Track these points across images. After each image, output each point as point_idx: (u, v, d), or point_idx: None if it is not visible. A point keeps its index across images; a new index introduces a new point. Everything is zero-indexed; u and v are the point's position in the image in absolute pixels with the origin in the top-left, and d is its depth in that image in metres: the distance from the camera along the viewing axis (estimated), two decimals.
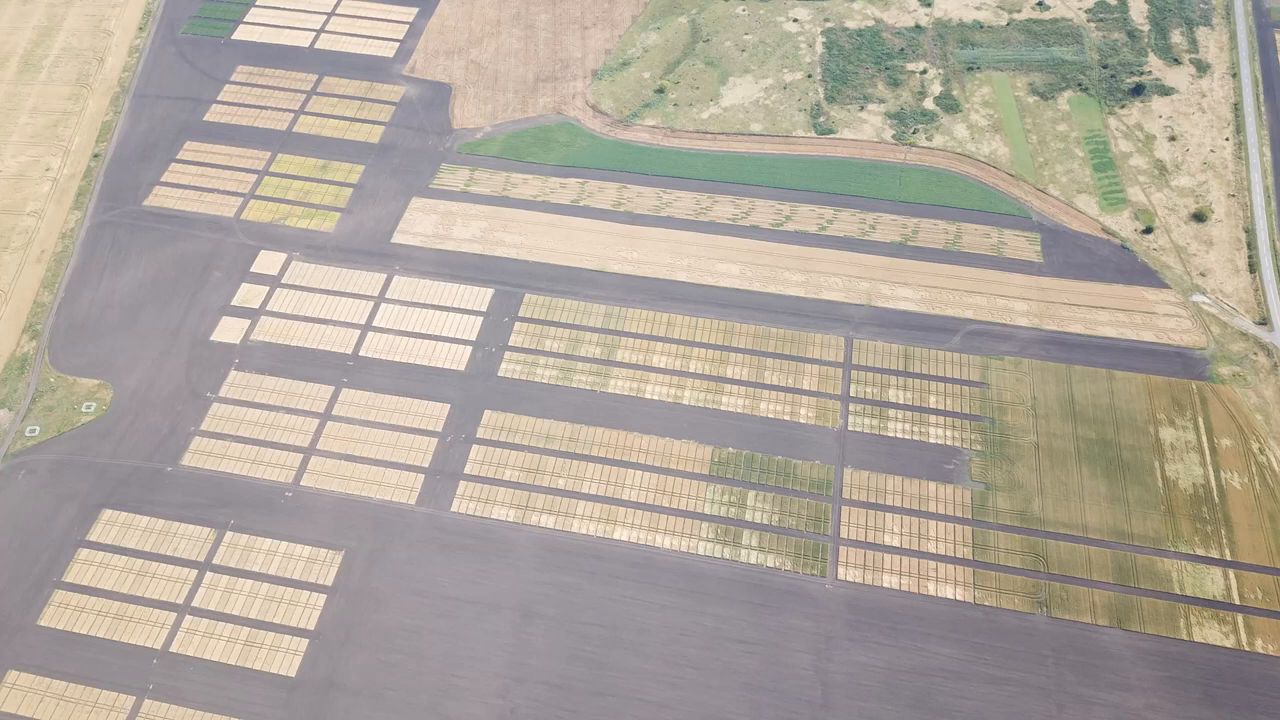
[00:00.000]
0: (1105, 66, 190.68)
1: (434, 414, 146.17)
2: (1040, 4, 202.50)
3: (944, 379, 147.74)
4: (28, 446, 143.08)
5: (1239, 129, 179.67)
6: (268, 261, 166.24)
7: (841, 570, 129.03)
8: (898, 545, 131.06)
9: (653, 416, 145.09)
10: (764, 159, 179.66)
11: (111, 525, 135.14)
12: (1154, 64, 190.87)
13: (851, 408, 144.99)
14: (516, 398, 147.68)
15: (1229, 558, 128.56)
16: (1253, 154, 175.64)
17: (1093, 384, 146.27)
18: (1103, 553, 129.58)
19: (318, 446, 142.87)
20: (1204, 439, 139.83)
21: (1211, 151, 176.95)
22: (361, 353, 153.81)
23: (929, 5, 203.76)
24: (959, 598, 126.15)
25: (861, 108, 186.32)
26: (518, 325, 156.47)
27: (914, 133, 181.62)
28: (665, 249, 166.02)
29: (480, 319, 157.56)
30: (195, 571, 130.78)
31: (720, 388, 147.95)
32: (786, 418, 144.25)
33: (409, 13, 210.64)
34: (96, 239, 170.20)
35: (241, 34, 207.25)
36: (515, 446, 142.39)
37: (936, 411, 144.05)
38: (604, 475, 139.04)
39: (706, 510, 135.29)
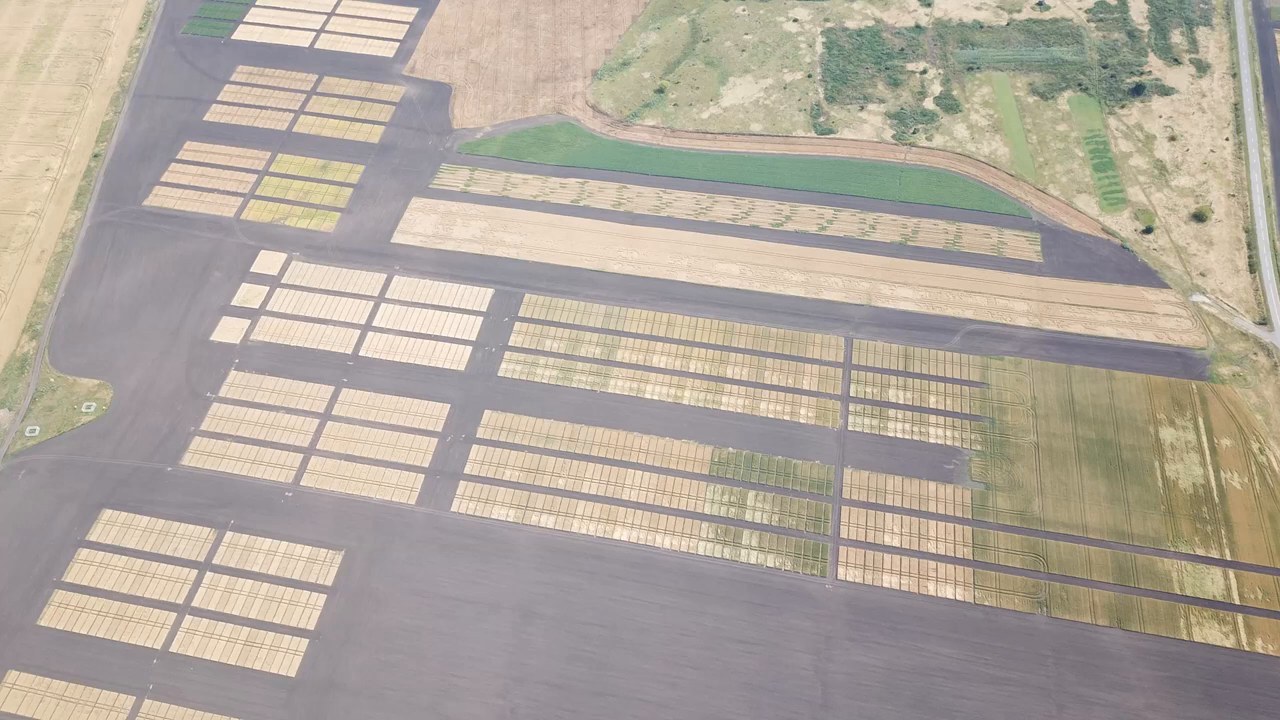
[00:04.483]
0: (1105, 66, 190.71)
1: (434, 414, 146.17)
2: (1040, 4, 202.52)
3: (944, 379, 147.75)
4: (28, 446, 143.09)
5: (1239, 129, 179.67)
6: (268, 261, 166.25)
7: (841, 570, 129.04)
8: (898, 545, 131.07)
9: (653, 416, 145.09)
10: (764, 159, 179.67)
11: (111, 525, 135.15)
12: (1154, 64, 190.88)
13: (851, 408, 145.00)
14: (516, 398, 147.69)
15: (1229, 558, 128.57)
16: (1253, 154, 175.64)
17: (1093, 384, 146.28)
18: (1103, 553, 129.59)
19: (318, 446, 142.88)
20: (1204, 439, 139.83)
21: (1211, 151, 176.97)
22: (361, 353, 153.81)
23: (929, 5, 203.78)
24: (959, 598, 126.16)
25: (861, 108, 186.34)
26: (518, 325, 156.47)
27: (914, 133, 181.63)
28: (665, 249, 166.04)
29: (480, 319, 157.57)
30: (195, 571, 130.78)
31: (720, 388, 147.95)
32: (786, 418, 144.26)
33: (409, 13, 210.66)
34: (96, 239, 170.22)
35: (241, 34, 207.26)
36: (515, 446, 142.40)
37: (936, 411, 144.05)
38: (604, 475, 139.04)
39: (706, 510, 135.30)
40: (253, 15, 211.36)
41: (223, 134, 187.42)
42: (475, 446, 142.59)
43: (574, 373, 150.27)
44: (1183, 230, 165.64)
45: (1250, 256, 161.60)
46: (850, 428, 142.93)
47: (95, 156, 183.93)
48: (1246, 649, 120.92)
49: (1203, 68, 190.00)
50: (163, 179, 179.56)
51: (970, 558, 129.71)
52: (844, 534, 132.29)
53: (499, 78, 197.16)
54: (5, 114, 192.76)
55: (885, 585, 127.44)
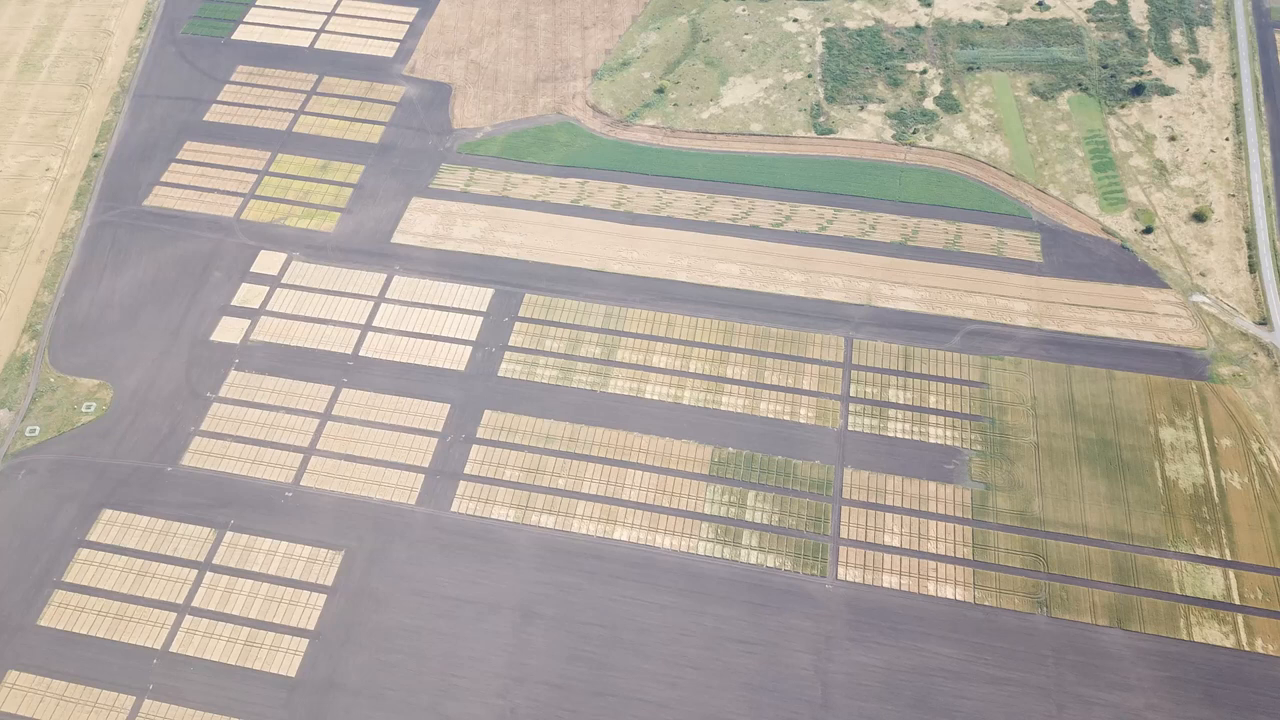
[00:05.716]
0: (1105, 66, 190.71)
1: (434, 414, 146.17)
2: (1040, 4, 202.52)
3: (944, 379, 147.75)
4: (28, 446, 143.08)
5: (1239, 129, 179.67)
6: (268, 261, 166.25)
7: (841, 570, 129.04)
8: (898, 545, 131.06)
9: (653, 416, 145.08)
10: (764, 159, 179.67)
11: (111, 525, 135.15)
12: (1154, 64, 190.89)
13: (851, 408, 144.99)
14: (516, 398, 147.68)
15: (1229, 558, 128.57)
16: (1253, 154, 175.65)
17: (1093, 384, 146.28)
18: (1103, 553, 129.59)
19: (318, 446, 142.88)
20: (1204, 439, 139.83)
21: (1211, 151, 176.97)
22: (361, 353, 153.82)
23: (929, 5, 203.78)
24: (959, 598, 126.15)
25: (861, 108, 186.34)
26: (518, 325, 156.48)
27: (914, 133, 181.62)
28: (665, 249, 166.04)
29: (480, 319, 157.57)
30: (195, 571, 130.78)
31: (720, 388, 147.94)
32: (786, 418, 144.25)
33: (409, 13, 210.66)
34: (96, 239, 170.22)
35: (241, 34, 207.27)
36: (515, 446, 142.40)
37: (936, 411, 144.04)
38: (604, 475, 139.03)
39: (706, 510, 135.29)
40: (253, 15, 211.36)
41: (223, 134, 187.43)
42: (475, 446, 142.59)
43: (574, 373, 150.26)
44: (1183, 230, 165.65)
45: (1250, 256, 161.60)
46: (850, 428, 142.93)
47: (95, 156, 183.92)
48: (1246, 649, 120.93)
49: (1203, 68, 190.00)
50: (163, 179, 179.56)
51: (970, 558, 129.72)
52: (844, 534, 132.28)
53: (499, 78, 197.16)
54: (5, 114, 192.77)
55: (885, 585, 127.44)
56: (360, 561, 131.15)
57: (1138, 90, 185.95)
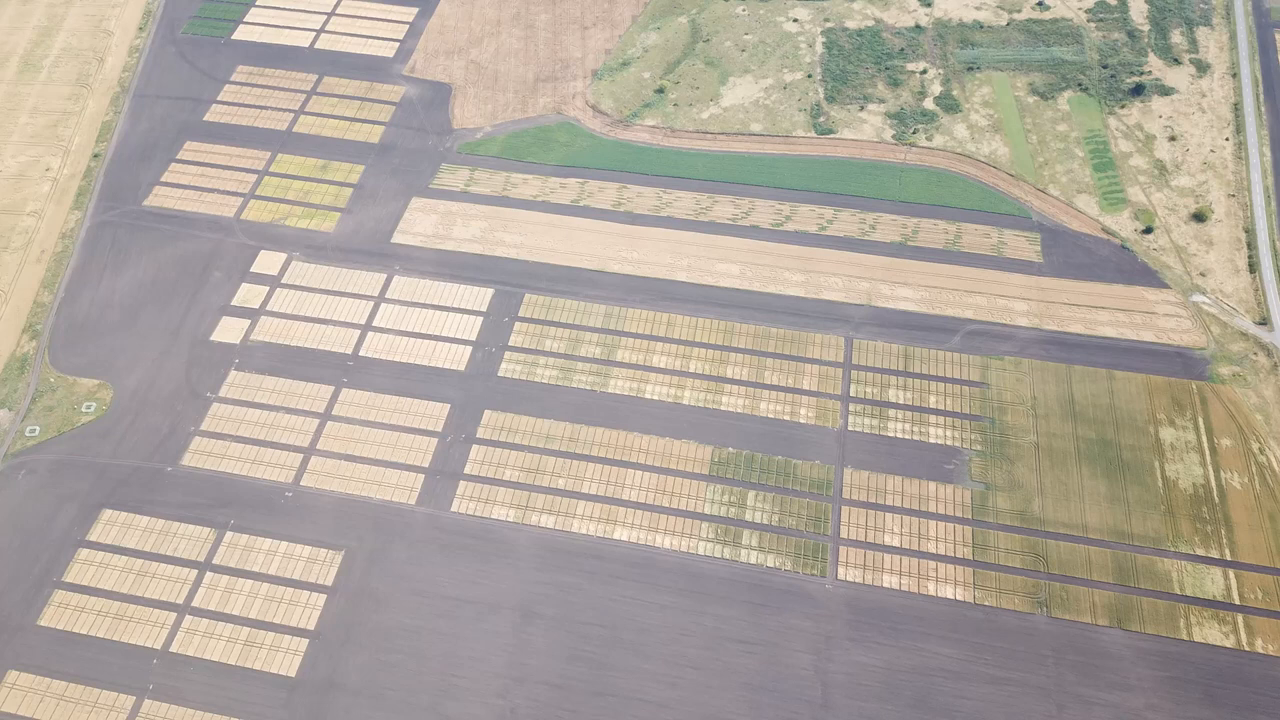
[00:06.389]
0: (1105, 66, 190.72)
1: (434, 414, 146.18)
2: (1040, 4, 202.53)
3: (944, 379, 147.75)
4: (28, 446, 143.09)
5: (1239, 129, 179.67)
6: (268, 261, 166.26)
7: (841, 570, 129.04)
8: (898, 545, 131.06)
9: (653, 416, 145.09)
10: (764, 159, 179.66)
11: (111, 525, 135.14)
12: (1154, 64, 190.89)
13: (851, 408, 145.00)
14: (516, 398, 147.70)
15: (1229, 558, 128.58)
16: (1253, 154, 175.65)
17: (1093, 384, 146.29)
18: (1103, 553, 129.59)
19: (318, 446, 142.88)
20: (1204, 439, 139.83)
21: (1211, 151, 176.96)
22: (361, 353, 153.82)
23: (929, 5, 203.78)
24: (959, 598, 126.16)
25: (861, 108, 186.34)
26: (518, 325, 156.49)
27: (914, 133, 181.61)
28: (665, 249, 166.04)
29: (480, 319, 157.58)
30: (195, 571, 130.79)
31: (720, 388, 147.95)
32: (786, 418, 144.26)
33: (409, 13, 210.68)
34: (96, 239, 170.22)
35: (241, 34, 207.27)
36: (515, 446, 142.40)
37: (936, 411, 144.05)
38: (604, 475, 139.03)
39: (706, 510, 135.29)
40: (253, 15, 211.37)
41: (223, 134, 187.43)
42: (475, 446, 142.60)
43: (574, 373, 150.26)
44: (1183, 230, 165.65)
45: (1250, 256, 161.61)
46: (850, 428, 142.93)
47: (95, 156, 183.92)
48: (1246, 649, 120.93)
49: (1203, 68, 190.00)
50: (163, 179, 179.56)
51: (970, 558, 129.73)
52: (844, 534, 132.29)
53: (499, 78, 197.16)
54: (5, 114, 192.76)
55: (885, 585, 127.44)
56: (360, 561, 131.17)
57: (1138, 90, 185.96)
